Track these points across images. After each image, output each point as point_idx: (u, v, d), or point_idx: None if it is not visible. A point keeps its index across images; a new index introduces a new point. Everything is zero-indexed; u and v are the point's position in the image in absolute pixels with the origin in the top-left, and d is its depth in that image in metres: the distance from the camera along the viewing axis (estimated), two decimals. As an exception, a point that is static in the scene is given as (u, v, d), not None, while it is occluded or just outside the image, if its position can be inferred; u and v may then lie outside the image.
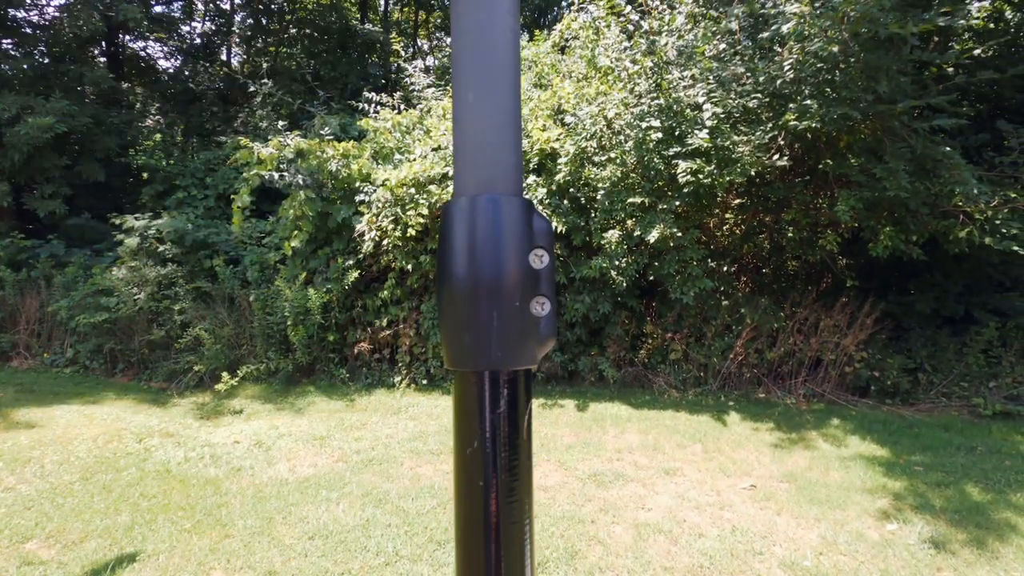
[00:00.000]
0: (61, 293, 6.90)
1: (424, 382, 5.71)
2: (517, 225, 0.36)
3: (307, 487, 3.43)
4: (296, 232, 5.88)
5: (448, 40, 11.98)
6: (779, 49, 4.79)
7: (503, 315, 0.35)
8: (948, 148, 4.35)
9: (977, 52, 4.62)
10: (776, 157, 4.68)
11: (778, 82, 4.47)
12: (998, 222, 4.42)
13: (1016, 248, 4.33)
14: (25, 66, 8.95)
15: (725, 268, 6.26)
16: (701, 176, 4.52)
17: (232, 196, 6.39)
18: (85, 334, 6.61)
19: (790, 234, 5.81)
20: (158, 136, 11.31)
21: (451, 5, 0.40)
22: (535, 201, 5.23)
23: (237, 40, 13.20)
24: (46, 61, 9.60)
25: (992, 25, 6.00)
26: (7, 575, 2.49)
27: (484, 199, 0.37)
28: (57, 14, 10.03)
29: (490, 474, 0.37)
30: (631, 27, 5.32)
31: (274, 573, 2.53)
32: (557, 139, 5.41)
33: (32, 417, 4.80)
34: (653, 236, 4.70)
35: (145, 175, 9.25)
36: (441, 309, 0.39)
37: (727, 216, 6.34)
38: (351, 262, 5.78)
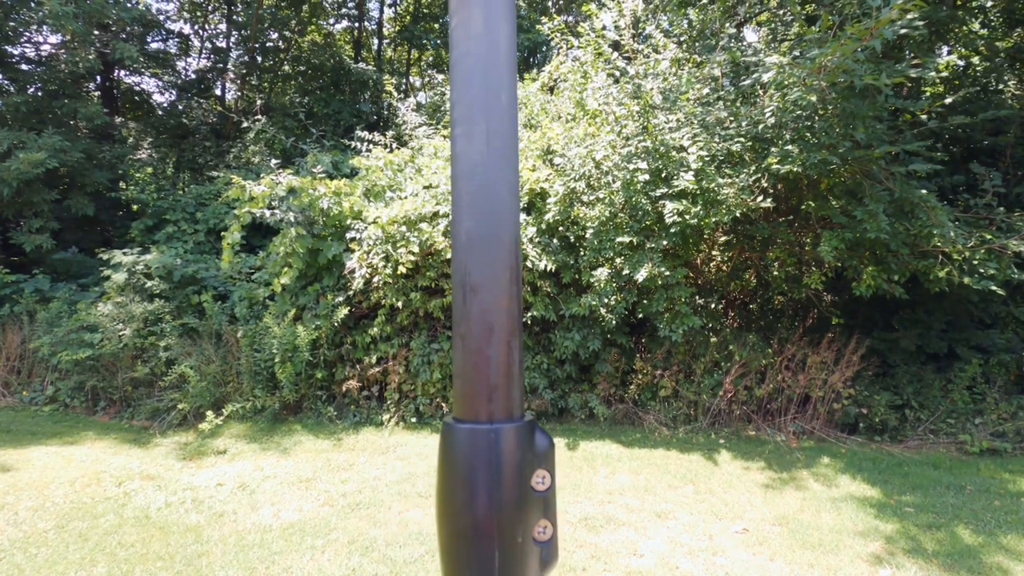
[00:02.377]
0: (44, 329, 6.78)
1: (413, 420, 5.64)
2: (518, 454, 0.34)
3: (292, 534, 3.35)
4: (286, 268, 5.88)
5: (440, 77, 12.26)
6: (760, 94, 4.98)
7: (506, 555, 0.33)
8: (925, 191, 4.50)
9: (948, 100, 4.83)
10: (760, 199, 4.80)
11: (760, 127, 4.63)
12: (976, 262, 4.54)
13: (994, 287, 4.44)
14: (19, 101, 9.01)
15: (713, 304, 6.32)
16: (688, 217, 4.62)
17: (222, 232, 6.40)
18: (67, 371, 6.49)
19: (775, 271, 5.92)
20: (149, 170, 11.35)
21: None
22: (525, 239, 5.30)
23: (232, 76, 13.42)
24: (40, 96, 9.67)
25: (961, 72, 6.29)
26: (-26, 635, 2.38)
27: (481, 431, 0.35)
28: (53, 51, 10.17)
29: None
30: (617, 73, 5.51)
31: (256, 629, 2.44)
32: (547, 179, 5.52)
33: (7, 460, 4.66)
34: (641, 275, 4.76)
35: (135, 209, 9.24)
36: (441, 542, 0.37)
37: (714, 253, 6.45)
38: (341, 299, 5.77)
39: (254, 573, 2.89)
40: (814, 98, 4.18)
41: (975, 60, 6.51)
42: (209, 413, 5.39)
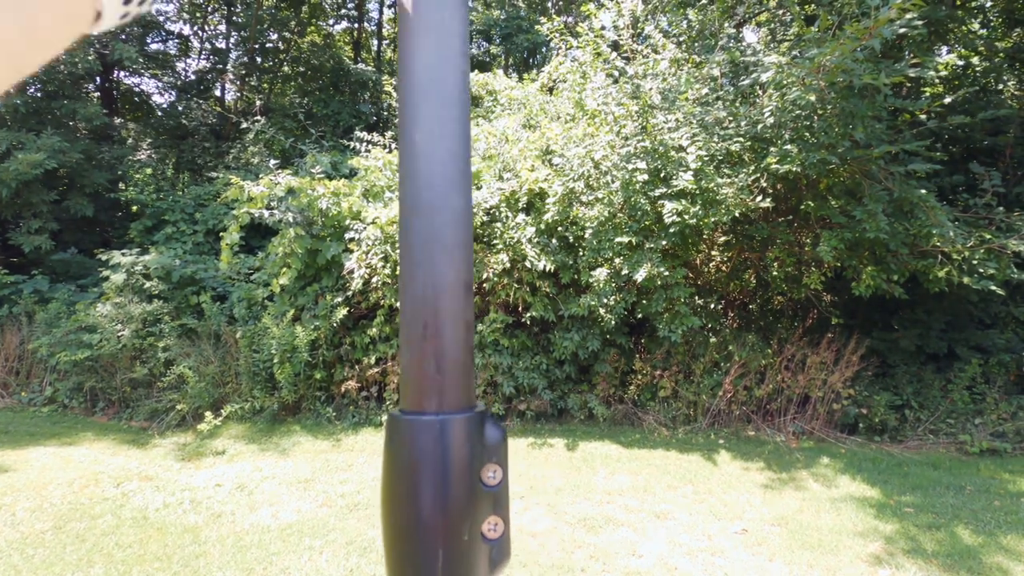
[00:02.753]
0: (43, 330, 6.78)
1: (412, 421, 5.63)
2: (467, 447, 0.33)
3: (290, 535, 3.34)
4: (285, 269, 5.87)
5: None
6: (760, 94, 4.98)
7: (451, 553, 0.32)
8: (924, 191, 4.49)
9: (947, 100, 4.82)
10: (759, 198, 4.80)
11: (759, 127, 4.62)
12: (975, 262, 4.53)
13: (993, 287, 4.44)
14: (18, 102, 9.01)
15: (712, 305, 6.32)
16: (687, 217, 4.61)
17: (221, 232, 6.39)
18: (65, 372, 6.48)
19: (775, 271, 5.91)
20: (149, 170, 11.35)
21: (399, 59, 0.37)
22: (524, 240, 5.29)
23: (231, 77, 13.42)
24: (39, 97, 9.67)
25: (960, 72, 6.29)
26: (-30, 636, 2.37)
27: (426, 422, 0.33)
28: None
29: None
30: (616, 73, 5.50)
31: (253, 630, 2.44)
32: (546, 179, 5.51)
33: (5, 460, 4.65)
34: (641, 275, 4.75)
35: (134, 210, 9.24)
36: (385, 536, 0.35)
37: (713, 253, 6.44)
38: (340, 299, 5.76)
39: (252, 574, 2.88)
40: (813, 98, 4.18)
41: (974, 60, 6.51)
42: (208, 414, 5.38)
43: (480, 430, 0.33)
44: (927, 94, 5.80)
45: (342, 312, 5.63)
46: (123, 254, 6.95)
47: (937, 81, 6.29)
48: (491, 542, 0.32)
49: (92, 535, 3.31)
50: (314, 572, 2.90)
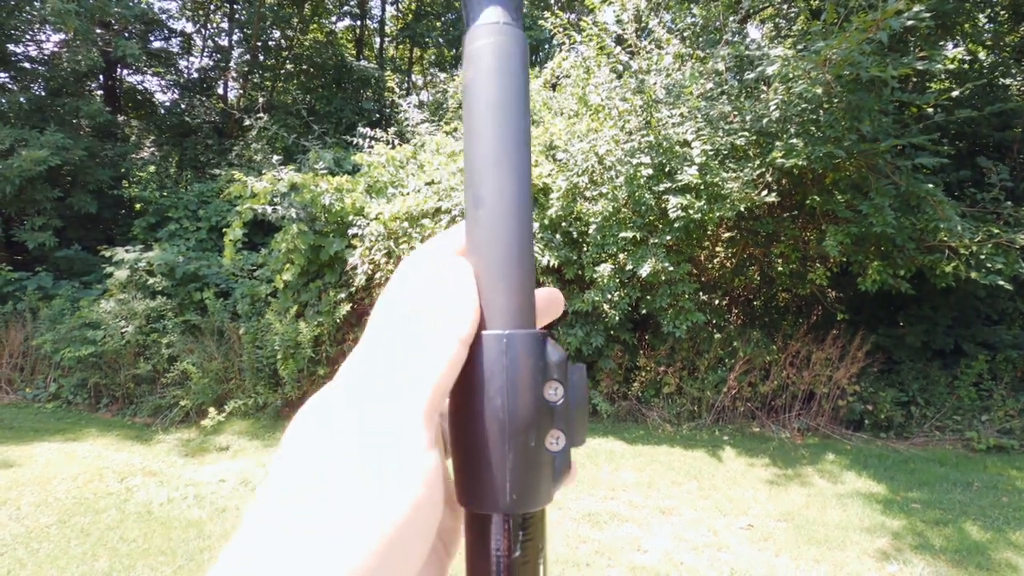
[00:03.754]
0: (47, 326, 6.79)
1: (415, 417, 5.62)
2: (531, 360, 0.35)
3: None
4: (288, 265, 5.87)
5: (442, 76, 12.25)
6: (764, 89, 4.94)
7: (517, 455, 0.34)
8: (931, 185, 4.46)
9: (955, 93, 4.78)
10: (764, 193, 4.77)
11: (764, 121, 4.59)
12: (982, 257, 4.50)
13: (1001, 282, 4.40)
14: (22, 100, 9.02)
15: (716, 301, 6.29)
16: (692, 212, 4.59)
17: (224, 229, 6.39)
18: (69, 368, 6.49)
19: (780, 267, 5.88)
20: (152, 168, 11.36)
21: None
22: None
23: (234, 75, 13.43)
24: (42, 95, 9.69)
25: (967, 67, 6.24)
26: (-25, 629, 2.37)
27: (495, 337, 0.36)
28: (56, 49, 10.18)
29: None
30: (620, 67, 5.47)
31: (257, 624, 2.43)
32: (549, 175, 5.49)
33: (10, 456, 4.66)
34: (645, 270, 4.73)
35: (138, 207, 9.25)
36: (453, 440, 0.38)
37: (717, 249, 6.41)
38: (343, 295, 5.76)
39: (256, 568, 2.87)
40: (819, 90, 4.14)
41: (981, 54, 6.46)
42: (211, 410, 5.38)
43: (542, 349, 0.36)
44: (934, 89, 5.76)
45: (345, 308, 5.62)
46: (127, 251, 6.95)
47: (944, 76, 6.24)
48: (554, 454, 0.35)
49: (96, 529, 3.31)
50: (318, 566, 2.89)
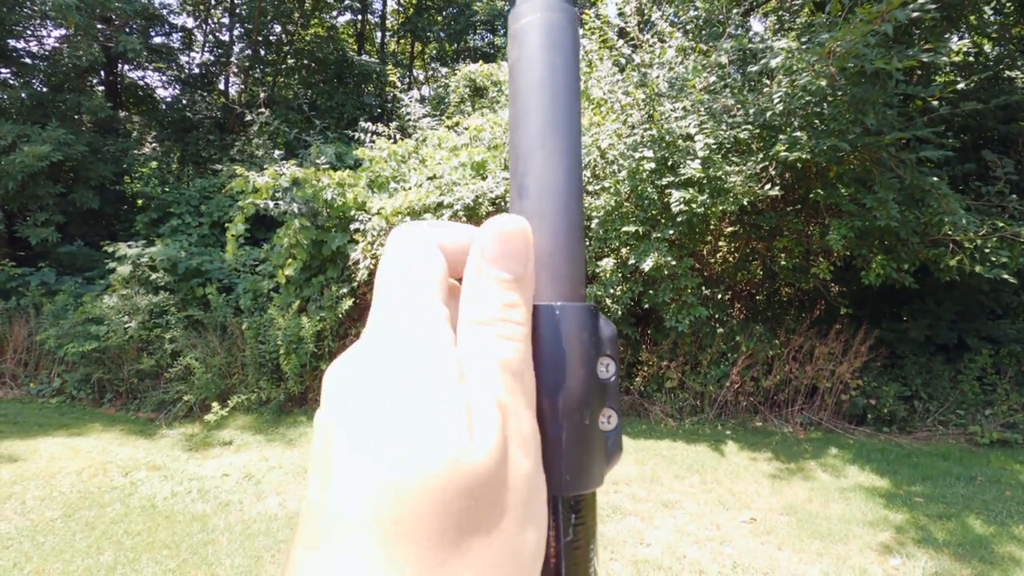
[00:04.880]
0: (50, 321, 6.80)
1: (418, 412, 5.63)
2: (585, 334, 0.34)
3: (297, 523, 3.34)
4: (290, 260, 5.87)
5: (444, 71, 12.21)
6: (768, 82, 4.91)
7: (571, 434, 0.32)
8: (936, 178, 4.43)
9: (960, 85, 4.75)
10: (767, 187, 4.74)
11: (768, 114, 4.56)
12: (987, 250, 4.47)
13: (1006, 276, 4.38)
14: (23, 95, 9.02)
15: (719, 295, 6.27)
16: (694, 205, 4.57)
17: (226, 224, 6.39)
18: (73, 363, 6.51)
19: (783, 262, 5.86)
20: (154, 164, 11.36)
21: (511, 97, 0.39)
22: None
23: (235, 70, 13.40)
24: (44, 90, 9.68)
25: (973, 59, 6.20)
26: (-19, 621, 2.39)
27: (547, 308, 0.34)
28: (57, 44, 10.16)
29: None
30: (623, 60, 5.44)
31: (261, 616, 2.44)
32: (551, 168, 5.47)
33: (15, 450, 4.68)
34: (648, 264, 4.72)
35: (140, 202, 9.25)
36: None
37: (720, 244, 6.39)
38: (345, 290, 5.76)
39: (260, 561, 2.89)
40: (823, 83, 4.11)
41: (987, 47, 6.41)
42: (215, 405, 5.39)
43: (596, 323, 0.34)
44: (939, 82, 5.72)
45: (348, 303, 5.62)
46: (129, 246, 6.96)
47: (949, 68, 6.20)
48: (606, 433, 0.33)
49: (101, 523, 3.33)
50: (322, 560, 2.90)
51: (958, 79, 5.70)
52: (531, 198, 0.35)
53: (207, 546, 3.05)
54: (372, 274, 5.67)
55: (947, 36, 5.78)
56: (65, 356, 6.43)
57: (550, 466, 0.32)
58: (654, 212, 5.09)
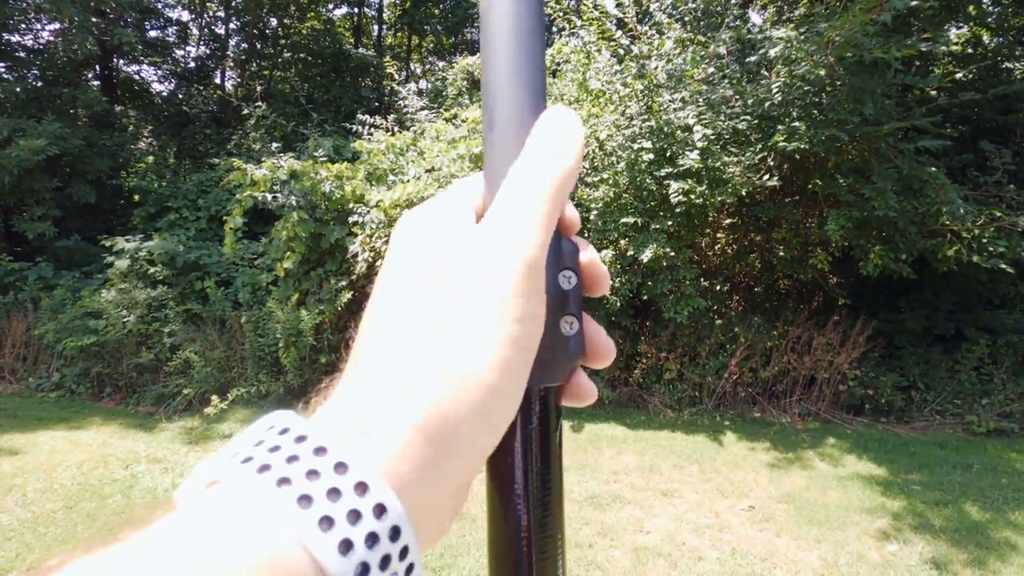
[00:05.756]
0: (48, 316, 6.79)
1: (418, 404, 5.64)
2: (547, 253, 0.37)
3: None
4: (289, 253, 5.86)
5: (441, 64, 12.17)
6: (766, 73, 4.91)
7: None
8: (934, 169, 4.44)
9: (958, 75, 4.75)
10: (766, 177, 4.75)
11: (766, 104, 4.56)
12: (985, 240, 4.49)
13: (1003, 266, 4.39)
14: (18, 89, 8.97)
15: (718, 287, 6.29)
16: (693, 196, 4.57)
17: (224, 217, 6.38)
18: (72, 357, 6.50)
19: (781, 253, 5.87)
20: (150, 158, 11.31)
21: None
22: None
23: (231, 64, 13.33)
24: (39, 84, 9.63)
25: (971, 50, 6.19)
26: (-15, 610, 2.40)
27: None
28: (51, 38, 10.10)
29: (523, 487, 0.38)
30: (621, 51, 5.43)
31: (264, 604, 2.45)
32: (550, 160, 5.46)
33: (15, 443, 4.68)
34: (646, 256, 4.72)
35: (137, 197, 9.22)
36: None
37: (719, 235, 6.40)
38: (344, 283, 5.75)
39: (261, 551, 2.90)
40: (822, 72, 4.11)
41: (985, 37, 6.40)
42: (214, 398, 5.40)
43: (556, 240, 0.38)
44: (937, 72, 5.71)
45: (347, 296, 5.62)
46: (127, 240, 6.94)
47: (947, 59, 6.19)
48: (567, 336, 0.38)
49: (103, 514, 3.34)
50: (323, 549, 2.91)
51: (957, 69, 5.70)
52: (499, 128, 0.39)
53: (209, 536, 3.06)
54: (371, 267, 5.67)
55: (946, 26, 5.77)
56: (64, 350, 6.42)
57: None
58: (653, 203, 5.09)
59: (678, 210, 4.74)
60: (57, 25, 9.92)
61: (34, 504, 3.48)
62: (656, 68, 5.01)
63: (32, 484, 3.79)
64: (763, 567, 2.75)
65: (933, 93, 5.10)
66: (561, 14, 6.24)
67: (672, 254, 4.83)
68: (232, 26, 13.49)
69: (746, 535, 3.08)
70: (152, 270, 6.71)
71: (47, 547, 2.92)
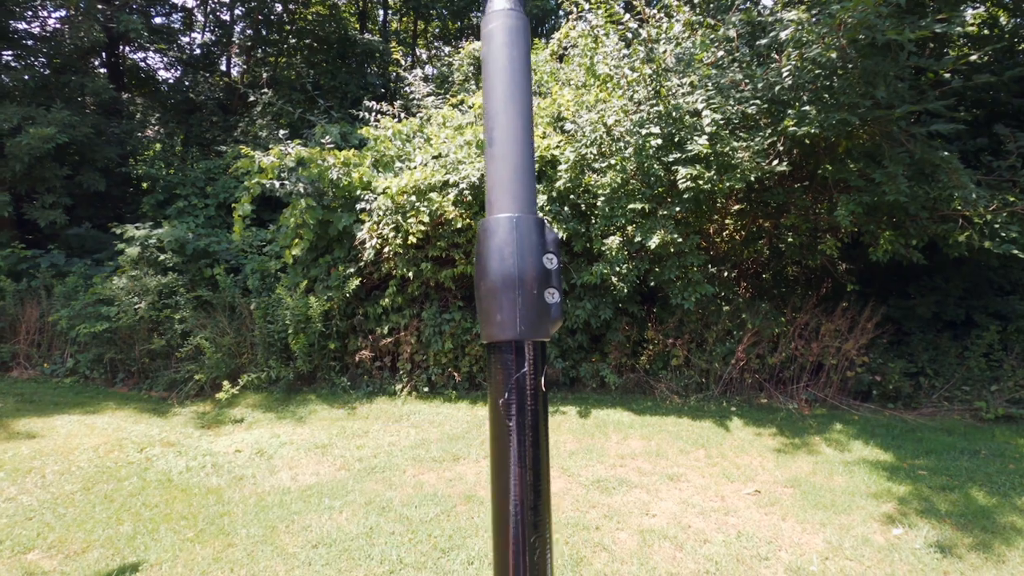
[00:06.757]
0: (61, 303, 6.89)
1: (426, 390, 5.70)
2: (534, 236, 0.54)
3: (310, 495, 3.42)
4: (297, 240, 5.89)
5: (447, 49, 12.06)
6: (777, 56, 4.83)
7: (525, 301, 0.53)
8: (946, 153, 4.37)
9: (973, 57, 4.65)
10: (775, 163, 4.70)
11: (776, 88, 4.50)
12: (997, 226, 4.43)
13: (1015, 251, 4.34)
14: (26, 77, 8.99)
15: (726, 274, 6.26)
16: (701, 182, 4.54)
17: (233, 205, 6.41)
18: (85, 344, 6.60)
19: (790, 239, 5.83)
20: (158, 146, 11.34)
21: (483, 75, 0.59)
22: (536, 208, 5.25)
23: (237, 51, 13.28)
24: (46, 72, 9.64)
25: (987, 31, 6.06)
26: (9, 586, 2.47)
27: (509, 219, 0.55)
28: (58, 25, 10.10)
29: (516, 419, 0.51)
30: (629, 35, 5.36)
31: (278, 582, 2.51)
32: (557, 146, 5.44)
33: (32, 427, 4.79)
34: (654, 242, 4.71)
35: (145, 185, 9.27)
36: (479, 297, 0.57)
37: (727, 222, 6.36)
38: (352, 270, 5.78)
39: (275, 531, 2.96)
40: (834, 55, 4.04)
41: (1003, 18, 6.26)
42: (225, 383, 5.48)
43: (541, 228, 0.55)
44: (952, 55, 5.60)
45: (355, 283, 5.65)
46: (137, 227, 7.00)
47: (962, 42, 6.06)
48: (550, 304, 0.54)
49: (119, 496, 3.41)
50: (335, 530, 2.97)
51: (972, 52, 5.58)
52: (497, 144, 0.55)
53: (223, 517, 3.13)
54: (378, 253, 5.69)
55: (961, 7, 5.64)
56: (77, 337, 6.52)
57: (515, 321, 0.52)
58: (660, 189, 5.06)
59: (686, 196, 4.71)
60: (63, 12, 9.91)
61: (53, 485, 3.56)
62: (665, 52, 4.95)
63: (50, 466, 3.88)
64: (768, 550, 2.77)
65: (947, 76, 5.01)
66: (568, -2, 6.16)
67: (680, 240, 4.81)
68: (237, 12, 13.42)
69: (751, 519, 3.11)
70: (162, 257, 6.77)
71: (67, 527, 3.00)
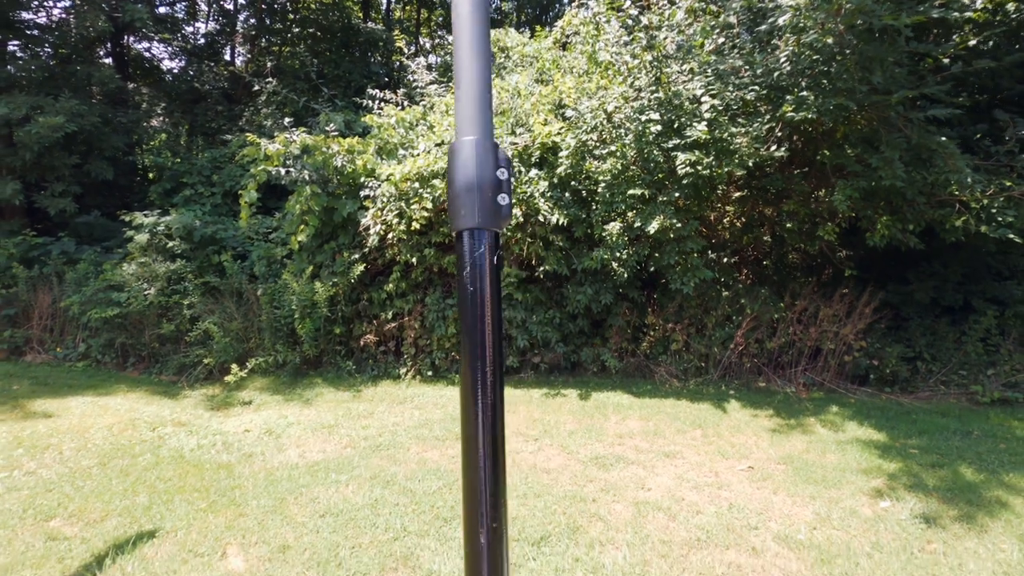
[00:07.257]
0: (73, 289, 7.03)
1: (429, 373, 5.81)
2: (490, 156, 0.76)
3: (317, 471, 3.54)
4: (302, 227, 5.99)
5: (450, 38, 12.05)
6: (776, 42, 4.86)
7: (482, 202, 0.75)
8: (943, 138, 4.41)
9: (973, 43, 4.67)
10: (774, 148, 4.75)
11: (775, 74, 4.54)
12: (994, 210, 4.48)
13: (1012, 236, 4.39)
14: (33, 67, 9.08)
15: (726, 260, 6.33)
16: (700, 168, 4.60)
17: (239, 192, 6.50)
18: (97, 329, 6.74)
19: (789, 225, 5.88)
20: (164, 135, 11.44)
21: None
22: (537, 194, 5.33)
23: (241, 40, 13.32)
24: (53, 62, 9.72)
25: (991, 16, 6.04)
26: (34, 550, 2.60)
27: (470, 142, 0.76)
28: (64, 15, 10.16)
29: (478, 286, 0.75)
30: (631, 22, 5.39)
31: (287, 547, 2.63)
32: (558, 133, 5.50)
33: (48, 407, 4.93)
34: (653, 227, 4.78)
35: (152, 174, 9.38)
36: (450, 199, 0.79)
37: (727, 209, 6.41)
38: (356, 256, 5.89)
39: (284, 502, 3.08)
40: (831, 41, 4.08)
41: (1010, 5, 6.23)
42: (234, 367, 5.61)
43: (496, 150, 0.77)
44: (957, 41, 5.60)
45: (359, 269, 5.76)
46: (145, 215, 7.11)
47: (970, 27, 6.04)
48: (501, 206, 0.77)
49: (134, 470, 3.55)
50: (341, 501, 3.09)
51: (973, 37, 5.58)
52: (463, 85, 0.76)
53: (234, 490, 3.26)
54: (382, 239, 5.79)
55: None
56: (89, 322, 6.66)
57: (474, 215, 0.74)
58: (660, 175, 5.12)
59: (685, 182, 4.77)
60: (68, 2, 9.97)
61: (70, 460, 3.70)
62: (665, 39, 4.99)
63: (67, 444, 4.01)
64: (758, 520, 2.88)
65: (946, 61, 5.02)
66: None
67: (679, 226, 4.88)
68: (240, 1, 13.44)
69: (744, 492, 3.21)
70: (171, 244, 6.89)
71: (86, 498, 3.13)
